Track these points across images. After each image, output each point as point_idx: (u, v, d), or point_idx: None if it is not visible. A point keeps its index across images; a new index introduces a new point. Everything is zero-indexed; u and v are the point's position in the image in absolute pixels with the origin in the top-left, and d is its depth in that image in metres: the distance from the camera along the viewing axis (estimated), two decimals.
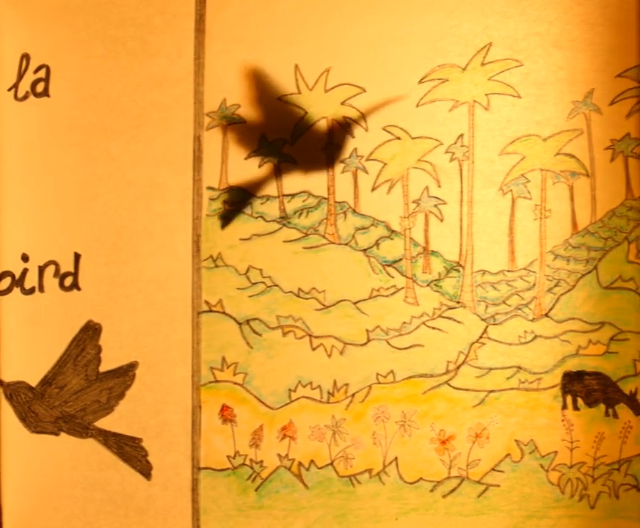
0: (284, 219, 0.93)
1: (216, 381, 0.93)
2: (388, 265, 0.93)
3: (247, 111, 0.92)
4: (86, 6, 0.92)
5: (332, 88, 0.92)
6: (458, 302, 0.93)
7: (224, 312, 0.92)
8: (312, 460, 0.93)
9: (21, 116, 0.91)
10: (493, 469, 0.92)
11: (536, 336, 0.92)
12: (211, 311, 0.92)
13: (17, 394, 0.91)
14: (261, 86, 0.83)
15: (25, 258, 0.92)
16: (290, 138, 0.92)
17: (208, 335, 0.92)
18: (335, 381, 0.92)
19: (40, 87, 0.91)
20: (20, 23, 0.91)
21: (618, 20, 0.91)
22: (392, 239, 0.93)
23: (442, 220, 0.92)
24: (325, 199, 0.93)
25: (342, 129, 0.92)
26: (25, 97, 0.91)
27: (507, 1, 0.91)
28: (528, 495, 0.92)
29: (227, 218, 0.89)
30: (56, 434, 0.93)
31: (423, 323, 0.93)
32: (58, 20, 0.92)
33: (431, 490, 0.92)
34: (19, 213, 0.92)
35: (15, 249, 0.92)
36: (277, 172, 0.92)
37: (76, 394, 0.93)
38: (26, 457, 0.92)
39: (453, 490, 0.92)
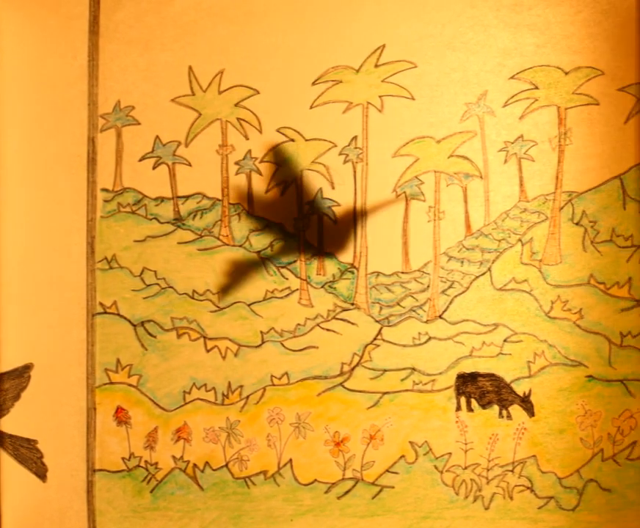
0: (178, 221, 0.93)
1: (111, 383, 0.93)
2: (282, 267, 0.93)
3: (141, 112, 0.92)
4: None
5: (226, 90, 0.92)
6: (352, 304, 0.93)
7: (118, 314, 0.92)
8: (207, 462, 0.93)
9: None
10: (388, 471, 0.92)
11: (430, 338, 0.92)
12: (105, 313, 0.92)
13: None
14: None
15: None
16: (184, 139, 0.92)
17: (103, 337, 0.92)
18: (230, 383, 0.92)
19: None
20: None
21: (511, 21, 0.91)
22: (286, 241, 0.93)
23: (335, 221, 0.92)
24: (219, 200, 0.93)
25: (236, 130, 0.92)
26: None
27: (401, 2, 0.91)
28: (422, 496, 0.92)
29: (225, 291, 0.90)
30: None
31: (318, 325, 0.93)
32: None
33: (326, 492, 0.93)
34: None
35: None
36: (172, 174, 0.92)
37: None
38: None
39: (347, 492, 0.93)
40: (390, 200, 0.90)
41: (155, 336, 0.92)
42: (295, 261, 0.93)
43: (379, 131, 0.92)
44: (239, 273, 0.87)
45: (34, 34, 0.91)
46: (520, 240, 0.92)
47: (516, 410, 0.92)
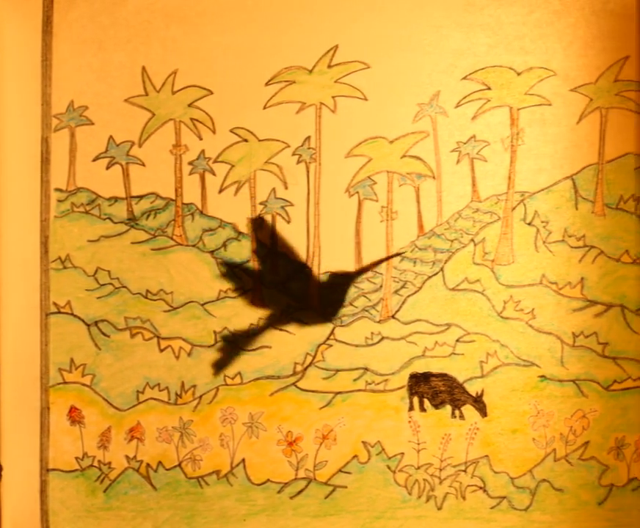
0: (132, 221, 0.93)
1: (65, 383, 0.93)
2: (236, 267, 0.93)
3: (95, 112, 0.92)
4: None
5: (180, 90, 0.92)
6: (305, 303, 0.93)
7: (72, 314, 0.92)
8: (160, 462, 0.93)
9: None
10: (340, 470, 0.92)
11: (382, 338, 0.92)
12: (59, 312, 0.92)
13: None
14: None
15: None
16: (138, 139, 0.92)
17: (57, 336, 0.92)
18: (183, 383, 0.93)
19: None
20: None
21: (464, 22, 0.91)
22: (239, 241, 0.93)
23: (289, 222, 0.93)
24: (173, 200, 0.93)
25: (189, 130, 0.92)
26: None
27: (354, 3, 0.91)
28: (375, 496, 0.92)
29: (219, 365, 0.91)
30: None
31: (271, 325, 0.93)
32: None
33: (279, 492, 0.93)
34: None
35: None
36: (125, 174, 0.92)
37: None
38: None
39: (300, 492, 0.93)
40: None
41: (108, 336, 0.92)
42: (248, 261, 0.93)
43: (332, 132, 0.92)
44: (231, 351, 0.89)
45: None
46: (472, 240, 0.93)
47: (468, 410, 0.92)
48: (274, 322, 0.92)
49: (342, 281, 0.92)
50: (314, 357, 0.92)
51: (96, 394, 0.93)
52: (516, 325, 0.92)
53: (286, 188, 0.92)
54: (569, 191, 0.92)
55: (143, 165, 0.92)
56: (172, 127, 0.93)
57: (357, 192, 0.92)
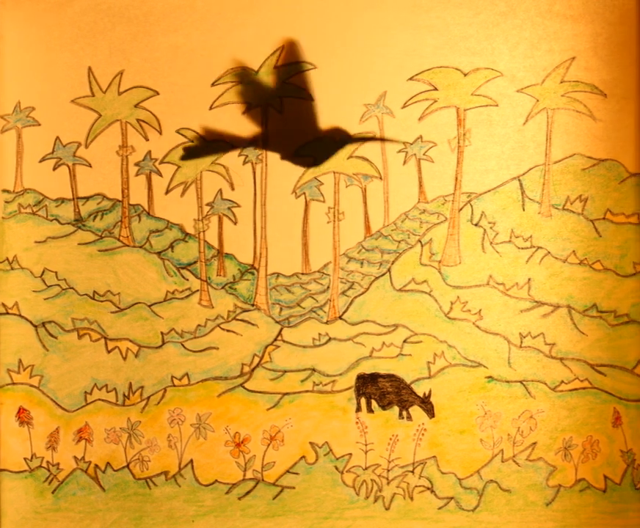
0: (79, 222, 0.93)
1: (13, 384, 0.93)
2: (183, 268, 0.93)
3: (42, 113, 0.92)
4: None
5: (126, 90, 0.92)
6: (252, 305, 0.93)
7: (20, 315, 0.92)
8: (108, 463, 0.93)
9: None
10: (288, 471, 0.92)
11: (330, 339, 0.92)
12: (7, 313, 0.92)
13: None
14: None
15: None
16: (84, 140, 0.92)
17: (5, 337, 0.92)
18: (131, 384, 0.93)
19: None
20: None
21: (411, 23, 0.91)
22: (186, 242, 0.93)
23: (235, 223, 0.93)
24: (119, 201, 0.93)
25: (136, 131, 0.92)
26: None
27: (301, 3, 0.91)
28: (323, 497, 0.92)
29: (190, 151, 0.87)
30: None
31: (218, 326, 0.93)
32: None
33: (227, 493, 0.93)
34: None
35: None
36: (72, 175, 0.92)
37: None
38: None
39: (248, 492, 0.93)
40: None
41: (56, 337, 0.92)
42: (195, 262, 0.93)
43: (278, 132, 0.92)
44: None
45: None
46: (419, 241, 0.93)
47: (416, 411, 0.92)
48: (221, 323, 0.92)
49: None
50: (261, 358, 0.92)
51: (44, 395, 0.93)
52: (463, 326, 0.92)
53: (233, 189, 0.92)
54: (515, 192, 0.92)
55: (90, 166, 0.92)
56: (119, 128, 0.92)
57: (304, 193, 0.92)
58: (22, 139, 0.92)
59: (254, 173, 0.92)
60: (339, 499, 0.92)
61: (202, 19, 0.91)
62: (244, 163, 0.92)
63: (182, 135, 0.92)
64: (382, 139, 0.90)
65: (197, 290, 0.93)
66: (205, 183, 0.92)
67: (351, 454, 0.92)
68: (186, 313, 0.93)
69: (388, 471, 0.92)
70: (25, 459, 0.93)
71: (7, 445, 0.93)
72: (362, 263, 0.92)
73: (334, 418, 0.92)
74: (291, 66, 0.92)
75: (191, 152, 0.89)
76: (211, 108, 0.91)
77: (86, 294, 0.92)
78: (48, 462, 0.93)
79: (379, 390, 0.92)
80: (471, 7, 0.91)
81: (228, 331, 0.93)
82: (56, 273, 0.92)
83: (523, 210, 0.92)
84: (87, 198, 0.92)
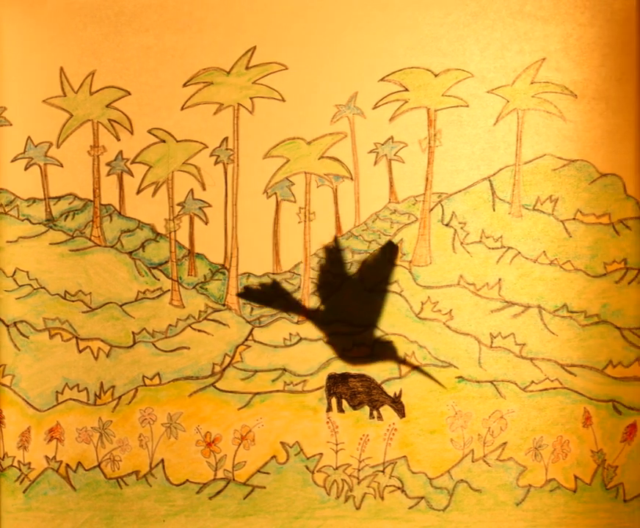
0: (50, 222, 0.93)
1: None
2: (154, 268, 0.93)
3: (13, 113, 0.92)
4: None
5: (98, 91, 0.92)
6: (223, 304, 0.93)
7: None
8: (79, 462, 0.93)
9: None
10: (259, 471, 0.93)
11: (301, 339, 0.93)
12: None
13: None
14: None
15: None
16: (56, 140, 0.92)
17: None
18: (102, 383, 0.93)
19: None
20: None
21: (382, 23, 0.91)
22: (157, 241, 0.93)
23: (207, 223, 0.93)
24: (91, 201, 0.93)
25: (107, 131, 0.92)
26: None
27: (272, 4, 0.91)
28: (294, 496, 0.93)
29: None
30: None
31: (189, 326, 0.93)
32: None
33: (198, 492, 0.93)
34: None
35: None
36: (43, 175, 0.92)
37: None
38: None
39: (219, 492, 0.93)
40: None
41: (27, 337, 0.93)
42: (166, 262, 0.93)
43: (249, 133, 0.92)
44: None
45: None
46: (390, 241, 0.93)
47: (387, 410, 0.92)
48: (193, 323, 0.92)
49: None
50: (232, 358, 0.93)
51: (16, 395, 0.93)
52: (434, 326, 0.92)
53: (204, 189, 0.93)
54: (486, 192, 0.92)
55: (61, 166, 0.92)
56: (90, 128, 0.93)
57: (275, 193, 0.92)
58: None
59: (225, 173, 0.92)
60: (310, 499, 0.93)
61: (174, 19, 0.91)
62: (216, 163, 0.92)
63: (153, 135, 0.92)
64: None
65: (168, 290, 0.93)
66: (177, 183, 0.93)
67: (321, 454, 0.92)
68: (157, 313, 0.93)
69: (359, 470, 0.93)
70: None
71: None
72: (332, 263, 0.93)
73: (305, 418, 0.92)
74: (263, 67, 0.92)
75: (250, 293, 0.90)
76: (182, 109, 0.92)
77: (57, 294, 0.93)
78: (19, 461, 0.93)
79: (350, 390, 0.92)
80: (442, 7, 0.91)
81: (199, 330, 0.93)
82: (27, 272, 0.93)
83: (494, 210, 0.92)
84: (59, 198, 0.93)
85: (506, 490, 0.92)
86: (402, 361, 0.92)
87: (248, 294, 0.86)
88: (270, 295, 0.92)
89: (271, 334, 0.93)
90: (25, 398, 0.93)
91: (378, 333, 0.92)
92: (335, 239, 0.87)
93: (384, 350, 0.92)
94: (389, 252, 0.85)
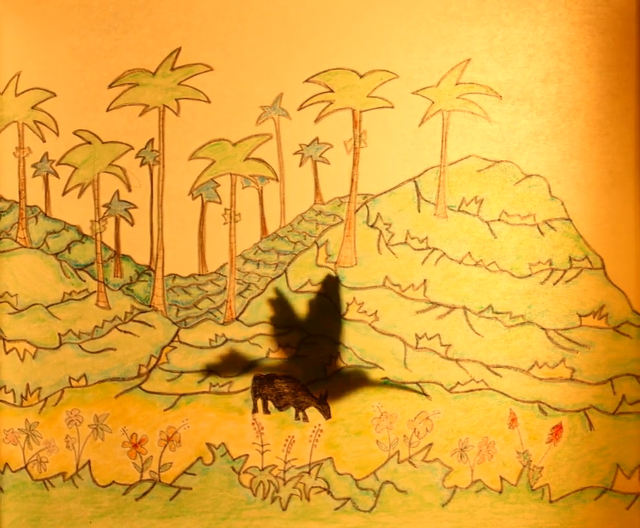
0: None
1: None
2: (80, 269, 0.93)
3: None
4: None
5: (23, 92, 0.92)
6: (149, 306, 0.93)
7: None
8: (6, 464, 0.93)
9: None
10: (185, 472, 0.93)
11: (226, 340, 0.93)
12: None
13: None
14: None
15: None
16: None
17: None
18: (28, 385, 0.93)
19: None
20: None
21: (308, 24, 0.91)
22: (83, 243, 0.93)
23: (132, 224, 0.93)
24: (17, 203, 0.93)
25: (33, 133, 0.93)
26: None
27: (197, 4, 0.91)
28: (220, 497, 0.93)
29: None
30: None
31: (115, 327, 0.93)
32: None
33: (124, 494, 0.93)
34: None
35: None
36: None
37: None
38: None
39: (145, 494, 0.93)
40: None
41: None
42: (92, 263, 0.93)
43: (175, 134, 0.92)
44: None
45: None
46: (315, 242, 0.93)
47: (312, 412, 0.92)
48: (119, 324, 0.93)
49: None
50: (158, 359, 0.93)
51: None
52: (359, 326, 0.92)
53: (130, 190, 0.93)
54: (411, 193, 0.92)
55: None
56: (16, 130, 0.93)
57: (201, 194, 0.92)
58: None
59: (151, 174, 0.92)
60: (236, 500, 0.93)
61: (99, 20, 0.91)
62: (141, 164, 0.92)
63: (79, 136, 0.92)
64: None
65: (94, 291, 0.93)
66: (102, 185, 0.93)
67: (247, 455, 0.93)
68: (83, 314, 0.93)
69: (285, 472, 0.93)
70: None
71: None
72: (258, 264, 0.93)
73: (230, 419, 0.92)
74: (188, 68, 0.92)
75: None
76: (108, 110, 0.92)
77: None
78: None
79: (276, 391, 0.92)
80: (367, 9, 0.91)
81: (125, 332, 0.93)
82: None
83: (419, 211, 0.92)
84: None
85: (432, 491, 0.92)
86: (327, 363, 0.92)
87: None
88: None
89: (197, 335, 0.93)
90: None
91: (303, 334, 0.92)
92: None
93: (310, 352, 0.92)
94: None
